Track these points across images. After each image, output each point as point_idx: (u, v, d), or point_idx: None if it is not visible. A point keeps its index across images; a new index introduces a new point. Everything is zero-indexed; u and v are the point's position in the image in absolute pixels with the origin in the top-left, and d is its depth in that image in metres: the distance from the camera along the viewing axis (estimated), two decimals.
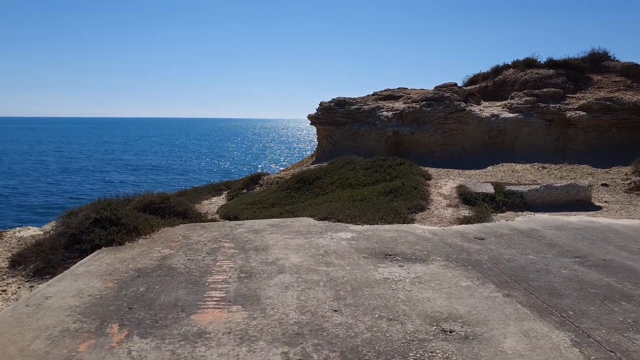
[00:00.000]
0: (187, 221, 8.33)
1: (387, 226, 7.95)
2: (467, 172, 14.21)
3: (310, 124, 19.28)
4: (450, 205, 9.52)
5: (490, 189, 10.17)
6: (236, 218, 11.47)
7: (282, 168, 28.08)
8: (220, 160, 65.04)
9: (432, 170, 13.48)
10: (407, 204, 9.17)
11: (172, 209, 8.47)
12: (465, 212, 9.08)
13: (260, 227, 7.79)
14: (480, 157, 16.60)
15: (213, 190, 18.33)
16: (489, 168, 15.01)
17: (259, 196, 13.28)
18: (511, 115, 17.14)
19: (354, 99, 19.15)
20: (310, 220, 8.48)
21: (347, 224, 8.07)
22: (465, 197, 9.83)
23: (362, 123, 17.09)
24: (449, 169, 14.35)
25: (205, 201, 16.55)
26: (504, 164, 15.61)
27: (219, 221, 9.18)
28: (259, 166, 57.41)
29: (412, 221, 8.38)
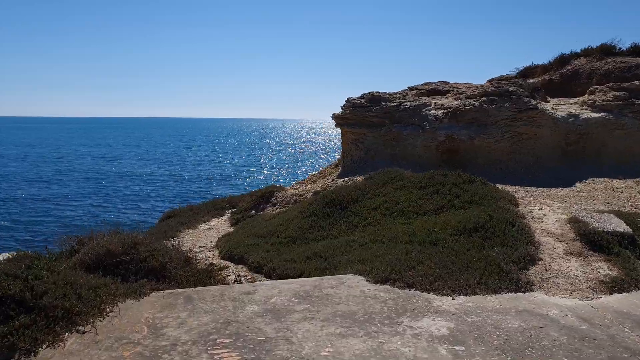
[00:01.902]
0: (166, 285, 5.53)
1: (495, 300, 5.09)
2: (553, 191, 11.26)
3: (335, 126, 16.46)
4: (571, 253, 6.61)
5: (622, 226, 7.24)
6: (242, 260, 8.69)
7: (298, 179, 25.31)
8: (222, 165, 62.37)
9: (506, 189, 10.56)
10: (509, 252, 6.29)
11: (143, 264, 5.68)
12: (602, 266, 6.17)
13: (284, 301, 4.97)
14: (558, 168, 13.62)
15: (213, 208, 15.59)
16: (579, 185, 12.03)
17: (274, 223, 10.48)
18: (596, 115, 14.14)
19: (390, 94, 16.29)
20: (362, 283, 5.65)
21: (427, 294, 5.22)
22: (589, 238, 6.91)
23: (404, 124, 14.22)
24: (528, 187, 11.43)
25: (202, 225, 13.79)
26: (595, 178, 12.62)
27: (216, 284, 6.36)
28: (265, 171, 54.63)
29: (529, 287, 5.50)
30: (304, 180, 18.57)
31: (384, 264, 6.09)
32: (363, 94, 16.46)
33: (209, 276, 6.82)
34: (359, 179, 12.70)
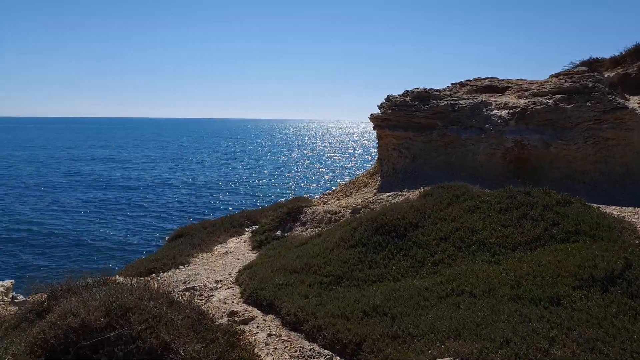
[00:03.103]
0: None
1: None
2: None
3: (373, 128, 14.60)
4: None
5: None
6: (272, 308, 6.87)
7: (326, 189, 23.17)
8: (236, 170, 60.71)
9: (610, 212, 8.51)
10: None
11: (137, 344, 3.89)
12: None
13: None
14: None
15: (230, 225, 13.81)
16: None
17: (309, 253, 8.63)
18: None
19: (439, 90, 14.36)
20: None
21: None
22: None
23: (461, 127, 12.28)
24: (634, 209, 9.37)
25: (219, 247, 12.01)
26: None
27: (241, 356, 4.54)
28: (289, 178, 52.84)
29: None
30: (334, 190, 16.72)
31: (497, 342, 4.19)
32: (406, 91, 14.56)
33: (231, 345, 5.01)
34: (409, 194, 10.78)
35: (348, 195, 14.54)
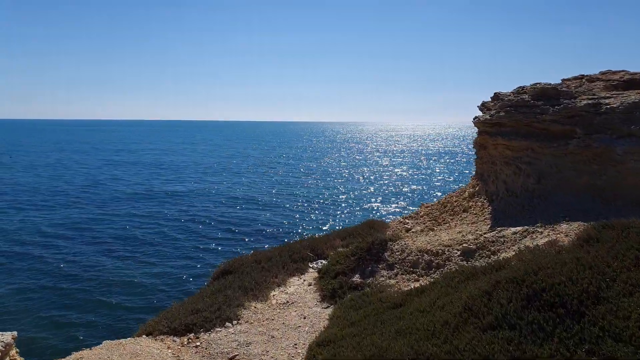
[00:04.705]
0: None
1: None
2: None
3: (479, 135, 11.71)
4: None
5: None
6: None
7: (402, 211, 19.94)
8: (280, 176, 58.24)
9: None
10: None
11: None
12: None
13: None
14: None
15: (289, 259, 11.29)
16: None
17: (411, 324, 5.98)
18: None
19: (567, 84, 11.25)
20: None
21: None
22: None
23: (612, 136, 9.15)
24: None
25: (276, 292, 9.51)
26: None
27: None
28: (346, 189, 50.01)
29: None
30: (418, 213, 13.87)
31: None
32: (521, 87, 11.57)
33: None
34: (550, 232, 7.80)
35: (441, 223, 11.69)
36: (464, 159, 78.05)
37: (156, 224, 29.83)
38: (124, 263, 21.72)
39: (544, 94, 10.53)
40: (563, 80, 13.33)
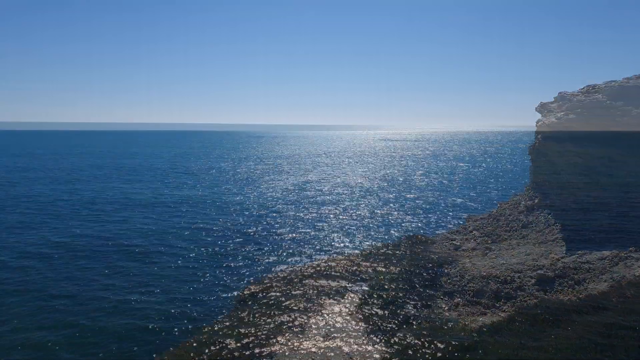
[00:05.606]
0: None
1: None
2: None
3: (542, 140, 10.45)
4: None
5: None
6: None
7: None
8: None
9: None
10: None
11: None
12: None
13: None
14: None
15: (324, 277, 10.09)
16: None
17: None
18: None
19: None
20: None
21: None
22: None
23: None
24: None
25: (312, 320, 8.39)
26: None
27: None
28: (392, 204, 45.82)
29: None
30: (467, 228, 12.64)
31: None
32: (590, 86, 10.27)
33: None
34: None
35: (496, 241, 10.48)
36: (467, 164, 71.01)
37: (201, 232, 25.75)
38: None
39: (624, 93, 9.24)
40: (626, 78, 12.03)
